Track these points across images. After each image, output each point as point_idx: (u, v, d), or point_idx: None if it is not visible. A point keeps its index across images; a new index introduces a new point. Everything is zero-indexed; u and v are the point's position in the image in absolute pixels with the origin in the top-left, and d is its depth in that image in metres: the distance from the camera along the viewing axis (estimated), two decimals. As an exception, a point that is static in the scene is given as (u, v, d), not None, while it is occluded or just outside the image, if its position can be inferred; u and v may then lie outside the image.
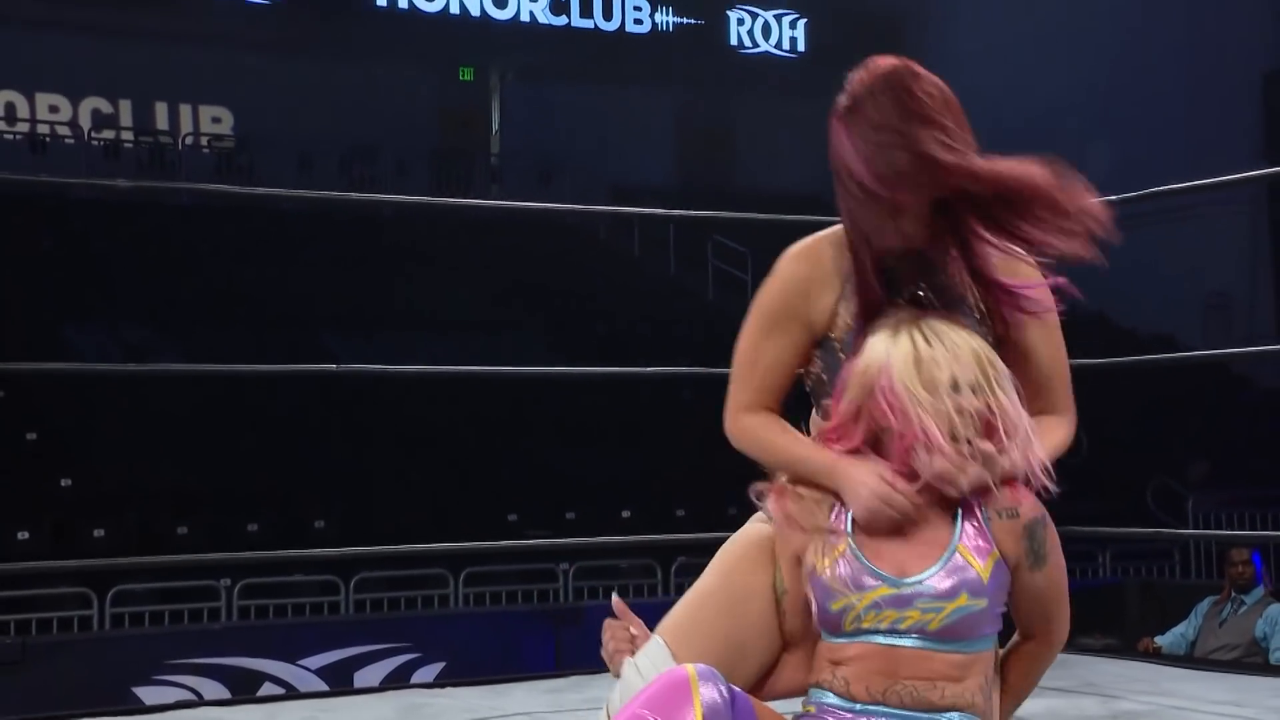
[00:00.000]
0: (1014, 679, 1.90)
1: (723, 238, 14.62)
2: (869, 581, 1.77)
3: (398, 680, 5.79)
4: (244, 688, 5.61)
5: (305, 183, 13.87)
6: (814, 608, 1.81)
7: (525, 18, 17.20)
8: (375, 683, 5.75)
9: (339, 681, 5.81)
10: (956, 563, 1.76)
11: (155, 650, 5.70)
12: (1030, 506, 1.81)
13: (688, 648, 1.89)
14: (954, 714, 1.75)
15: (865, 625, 1.76)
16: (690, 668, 1.68)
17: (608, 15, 17.80)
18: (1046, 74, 16.17)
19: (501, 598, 8.22)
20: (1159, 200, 4.65)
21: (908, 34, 18.56)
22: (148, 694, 5.43)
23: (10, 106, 16.00)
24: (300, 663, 5.89)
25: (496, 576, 8.25)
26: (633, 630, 1.94)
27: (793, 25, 18.88)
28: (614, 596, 2.03)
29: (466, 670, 5.27)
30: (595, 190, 15.45)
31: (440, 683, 4.29)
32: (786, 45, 18.85)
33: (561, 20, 17.53)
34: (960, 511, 1.80)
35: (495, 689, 3.88)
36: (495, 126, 18.47)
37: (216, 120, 16.87)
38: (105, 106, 16.33)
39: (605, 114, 17.68)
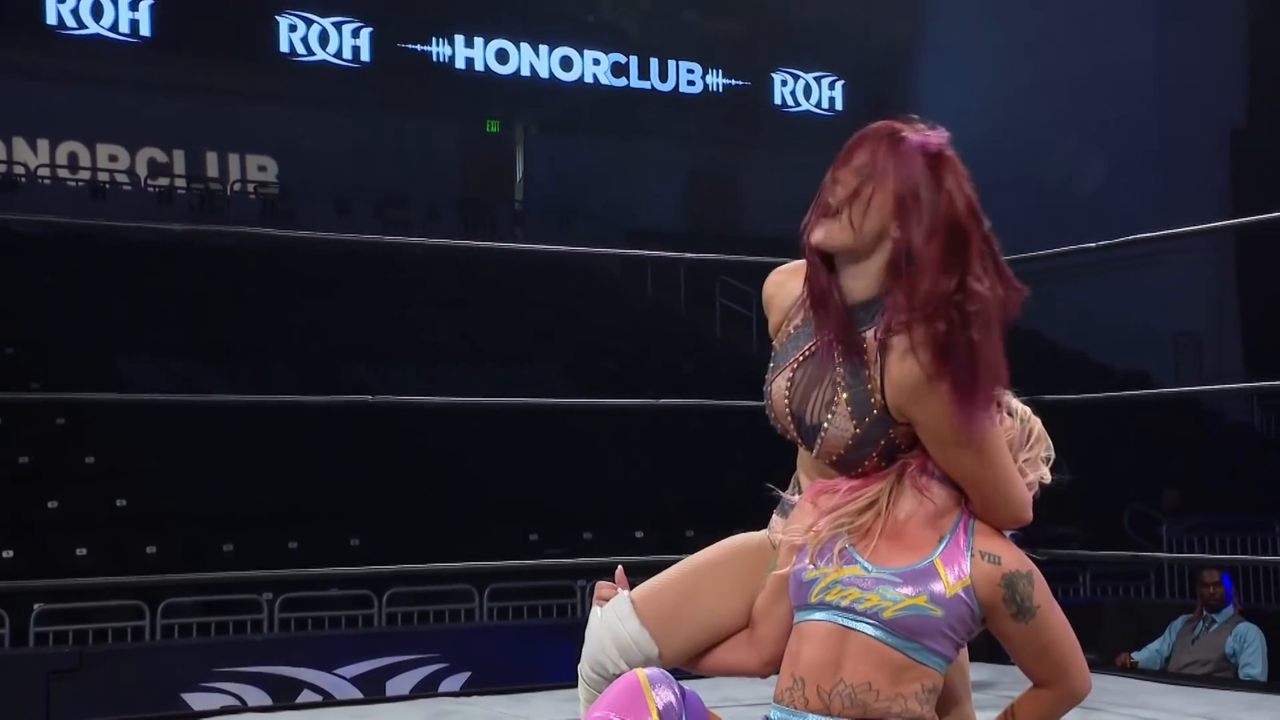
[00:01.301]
0: (1024, 714, 1.86)
1: (729, 278, 14.65)
2: (845, 561, 1.79)
3: (426, 688, 5.78)
4: (284, 695, 5.60)
5: (342, 226, 13.94)
6: (791, 578, 1.83)
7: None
8: (406, 691, 5.74)
9: (372, 689, 5.79)
10: (928, 570, 1.77)
11: (202, 659, 5.70)
12: (1013, 559, 1.79)
13: (651, 605, 1.95)
14: None
15: (829, 598, 1.77)
16: (640, 673, 1.69)
17: (664, 78, 17.93)
18: (1027, 127, 16.23)
19: (523, 612, 8.20)
20: (1135, 247, 4.67)
21: (895, 85, 18.71)
22: (195, 700, 5.42)
23: (73, 156, 16.11)
24: (336, 672, 5.88)
25: (518, 593, 8.23)
26: (619, 591, 2.01)
27: (831, 86, 19.04)
28: (619, 568, 2.09)
29: (490, 679, 5.26)
30: (612, 234, 15.51)
31: (466, 691, 4.28)
32: (825, 105, 19.00)
33: (622, 81, 17.65)
34: (950, 535, 1.80)
35: (517, 697, 3.87)
36: (519, 175, 18.56)
37: (262, 169, 16.97)
38: (160, 156, 16.43)
39: (621, 164, 17.76)
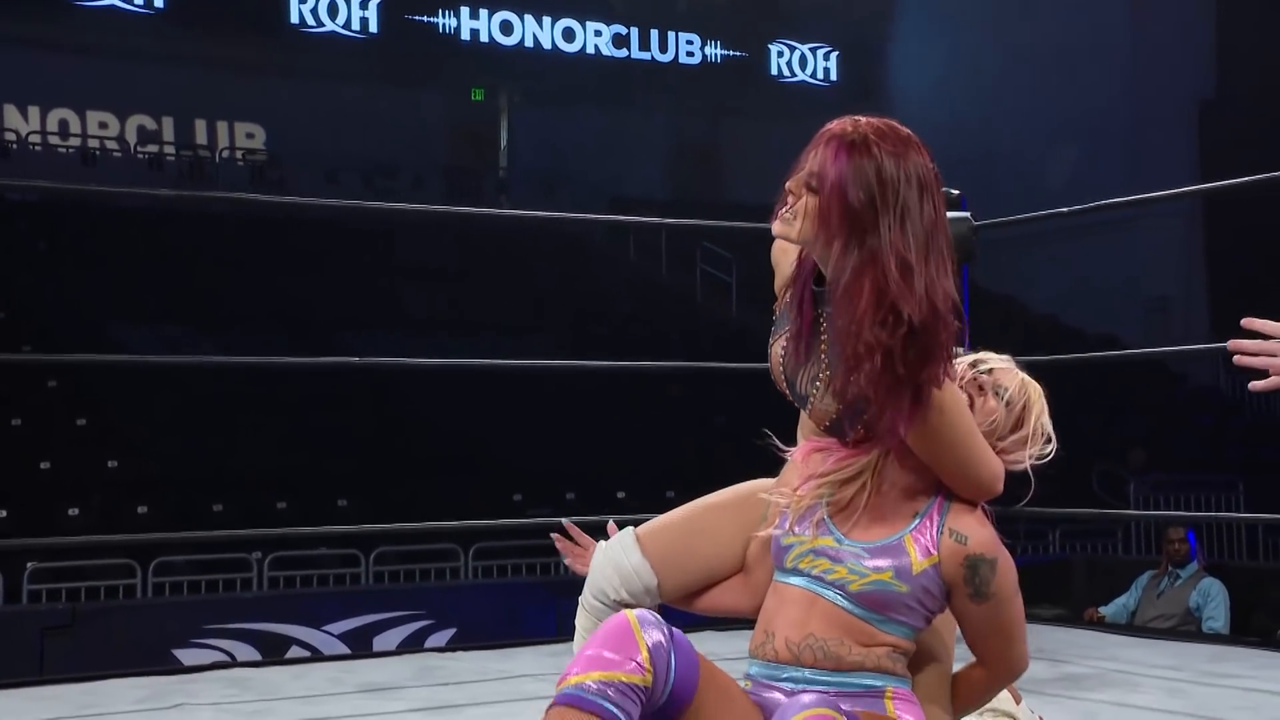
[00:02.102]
0: (959, 695, 1.89)
1: (710, 244, 14.63)
2: (820, 531, 1.79)
3: (413, 645, 5.77)
4: (273, 650, 5.59)
5: (331, 194, 13.86)
6: (772, 539, 1.84)
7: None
8: (392, 646, 5.73)
9: (359, 645, 5.79)
10: (898, 546, 1.76)
11: (193, 616, 5.68)
12: (980, 542, 1.77)
13: (654, 539, 2.00)
14: (864, 673, 1.74)
15: (801, 566, 1.78)
16: (630, 613, 1.68)
17: (664, 48, 17.83)
18: (1008, 99, 16.22)
19: (507, 570, 8.21)
20: (1106, 213, 4.65)
21: (876, 55, 18.66)
22: (186, 655, 5.40)
23: (64, 123, 15.97)
24: (324, 628, 5.87)
25: (502, 551, 8.24)
26: (581, 542, 2.09)
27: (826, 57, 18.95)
28: (565, 520, 2.16)
29: (475, 636, 5.26)
30: (595, 201, 15.46)
31: (452, 647, 4.28)
32: (820, 75, 18.91)
33: (623, 52, 17.54)
34: (924, 511, 1.79)
35: (502, 653, 3.88)
36: (504, 143, 18.47)
37: (250, 136, 16.85)
38: (149, 123, 16.30)
39: (605, 132, 17.68)
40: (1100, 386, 12.03)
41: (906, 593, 1.74)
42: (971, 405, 1.85)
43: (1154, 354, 7.44)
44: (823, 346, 1.84)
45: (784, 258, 1.95)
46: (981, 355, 1.94)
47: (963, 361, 1.91)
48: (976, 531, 1.78)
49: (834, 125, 1.79)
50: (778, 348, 1.91)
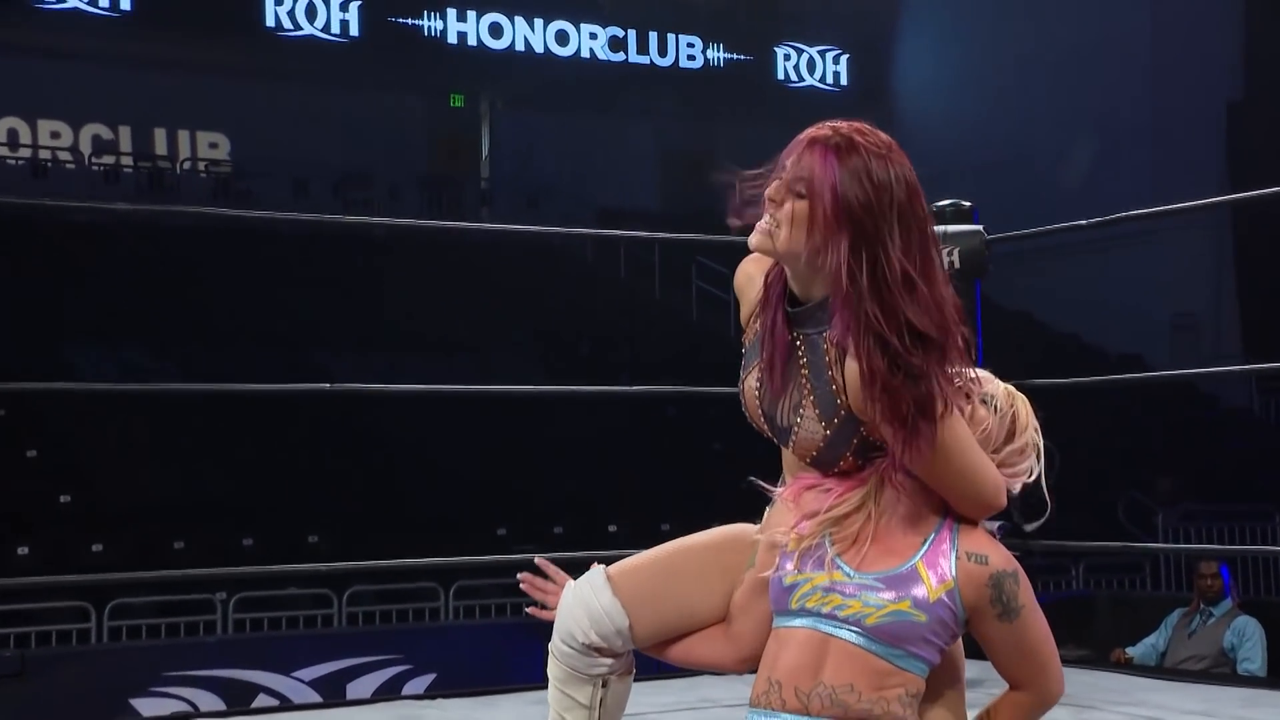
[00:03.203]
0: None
1: (706, 259, 14.65)
2: (828, 566, 1.79)
3: (389, 692, 5.76)
4: (239, 699, 5.57)
5: (300, 207, 13.87)
6: (771, 582, 1.83)
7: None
8: (367, 694, 5.72)
9: (332, 693, 5.77)
10: (911, 574, 1.77)
11: (152, 662, 5.66)
12: (1000, 559, 1.80)
13: (627, 579, 1.97)
14: None
15: (809, 605, 1.78)
16: None
17: (663, 53, 17.88)
18: (1021, 105, 16.28)
19: (491, 610, 8.20)
20: (1128, 225, 4.68)
21: (878, 59, 18.73)
22: (144, 705, 5.39)
23: (13, 133, 15.97)
24: (294, 674, 5.86)
25: (485, 590, 8.23)
26: (557, 580, 2.05)
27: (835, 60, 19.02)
28: (537, 558, 2.11)
29: (457, 681, 5.25)
30: (583, 214, 15.48)
31: (431, 694, 4.27)
32: (830, 80, 18.99)
33: (619, 56, 17.57)
34: (933, 536, 1.80)
35: (485, 700, 3.86)
36: (485, 152, 18.50)
37: (214, 146, 16.86)
38: (105, 132, 16.31)
39: (592, 140, 17.72)
40: (1125, 410, 12.05)
41: (924, 622, 1.76)
42: (960, 415, 1.85)
43: (1182, 375, 7.48)
44: (803, 371, 1.84)
45: (749, 284, 1.95)
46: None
47: None
48: (994, 550, 1.80)
49: (812, 130, 1.82)
50: (751, 381, 1.90)
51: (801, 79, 18.84)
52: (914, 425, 1.74)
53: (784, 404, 1.87)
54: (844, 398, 1.80)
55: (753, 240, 1.83)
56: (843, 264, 1.75)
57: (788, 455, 1.97)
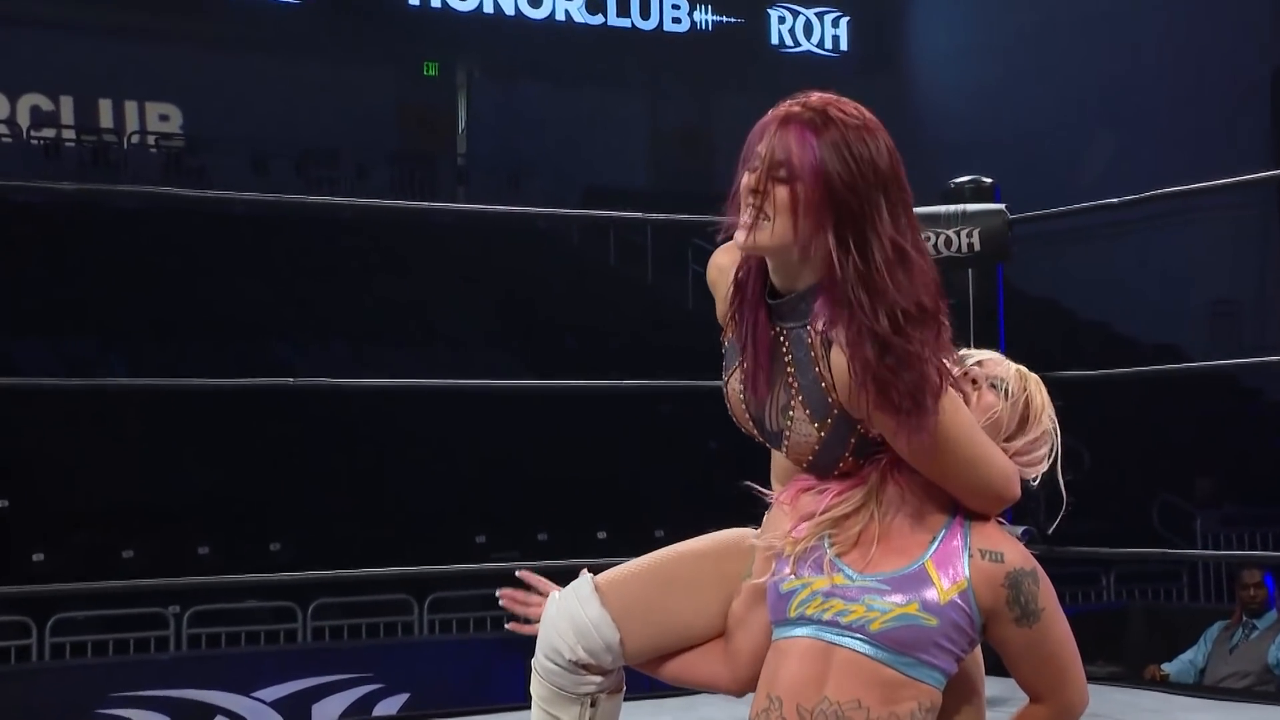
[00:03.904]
0: None
1: (702, 242, 14.65)
2: (827, 569, 1.78)
3: (359, 713, 5.78)
4: (194, 722, 5.59)
5: (259, 185, 13.83)
6: (768, 589, 1.83)
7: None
8: (335, 716, 5.74)
9: (296, 715, 5.79)
10: (919, 575, 1.77)
11: (98, 682, 5.68)
12: (1018, 556, 1.80)
13: (616, 589, 1.97)
14: None
15: (809, 611, 1.77)
16: None
17: (645, 14, 17.84)
18: (1045, 73, 16.27)
19: (469, 624, 8.20)
20: (1162, 203, 4.69)
21: (901, 29, 18.72)
22: (91, 729, 5.40)
23: (-58, 104, 15.94)
24: (255, 695, 5.88)
25: (463, 602, 8.23)
26: (541, 590, 2.05)
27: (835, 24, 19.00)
28: (519, 570, 2.12)
29: (432, 701, 5.27)
30: (568, 193, 15.47)
31: (404, 715, 4.28)
32: (829, 44, 18.96)
33: (598, 19, 17.53)
34: (943, 534, 1.80)
35: (462, 721, 3.87)
36: (462, 126, 18.47)
37: (164, 118, 16.82)
38: (45, 103, 16.26)
39: (578, 113, 17.69)
40: (1159, 405, 12.07)
41: (935, 627, 1.75)
42: (966, 402, 1.86)
43: (1222, 366, 7.49)
44: (789, 370, 1.84)
45: (722, 278, 1.96)
46: (963, 350, 1.95)
47: None
48: (1010, 546, 1.80)
49: (780, 109, 1.81)
50: (735, 384, 1.90)
51: (797, 43, 18.81)
52: (910, 412, 1.73)
53: (771, 406, 1.87)
54: (834, 395, 1.80)
55: (742, 239, 1.82)
56: (831, 248, 1.75)
57: (779, 460, 1.97)
